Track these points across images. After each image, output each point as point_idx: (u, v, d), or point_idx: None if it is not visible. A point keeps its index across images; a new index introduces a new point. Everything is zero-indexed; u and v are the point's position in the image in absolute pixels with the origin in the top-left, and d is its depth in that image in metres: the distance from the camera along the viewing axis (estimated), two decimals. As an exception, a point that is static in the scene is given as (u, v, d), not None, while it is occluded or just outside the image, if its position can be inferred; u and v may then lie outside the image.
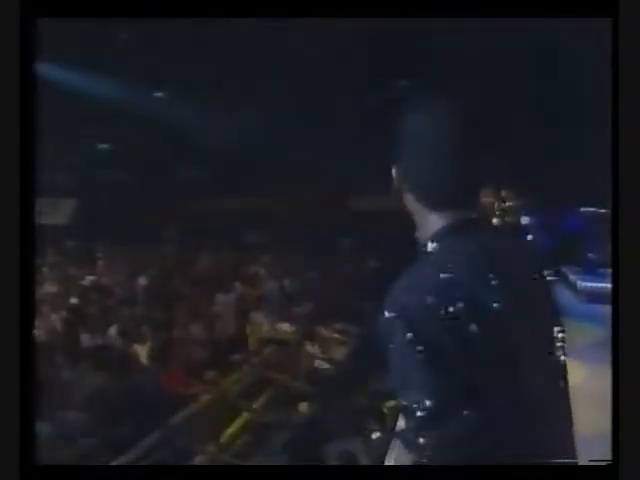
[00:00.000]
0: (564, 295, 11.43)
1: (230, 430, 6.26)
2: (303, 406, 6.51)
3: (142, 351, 6.93)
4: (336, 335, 7.94)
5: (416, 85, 12.73)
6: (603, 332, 9.15)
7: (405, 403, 1.51)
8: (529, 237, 5.71)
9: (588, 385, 7.15)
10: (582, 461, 1.59)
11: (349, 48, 11.83)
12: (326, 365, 7.33)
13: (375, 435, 5.43)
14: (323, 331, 8.03)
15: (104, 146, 16.19)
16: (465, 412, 1.49)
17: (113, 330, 7.31)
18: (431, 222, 1.63)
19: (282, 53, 12.01)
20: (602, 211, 11.47)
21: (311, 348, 7.63)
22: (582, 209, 11.92)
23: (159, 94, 14.82)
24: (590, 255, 11.81)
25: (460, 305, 1.50)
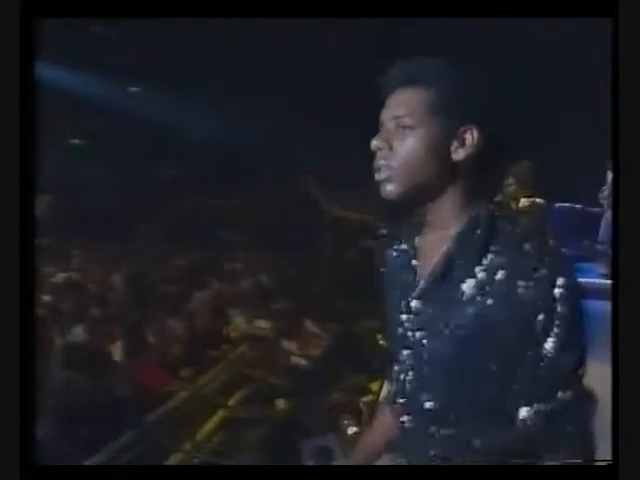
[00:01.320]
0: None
1: (206, 427, 6.25)
2: (280, 403, 6.53)
3: (117, 348, 6.88)
4: (313, 331, 7.94)
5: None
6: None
7: None
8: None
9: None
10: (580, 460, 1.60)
11: (332, 46, 11.84)
12: (303, 362, 7.33)
13: (351, 430, 5.47)
14: (300, 327, 8.03)
15: (80, 142, 16.03)
16: None
17: (87, 327, 7.24)
18: None
19: (264, 50, 12.01)
20: (577, 207, 11.63)
21: (288, 345, 7.63)
22: (556, 205, 12.07)
23: (137, 90, 14.76)
24: (563, 250, 11.96)
25: None
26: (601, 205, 10.82)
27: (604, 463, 1.56)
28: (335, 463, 5.18)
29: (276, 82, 12.90)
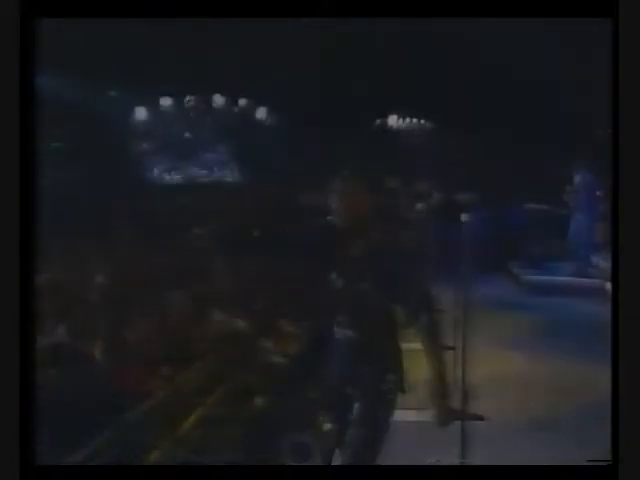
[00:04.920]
0: (508, 287, 11.76)
1: (185, 425, 6.32)
2: (258, 400, 6.61)
3: (97, 349, 6.92)
4: (291, 330, 7.99)
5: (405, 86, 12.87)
6: (544, 322, 9.49)
7: None
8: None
9: (530, 372, 7.44)
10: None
11: (301, 46, 11.88)
12: (280, 360, 7.40)
13: (327, 426, 5.60)
14: (278, 326, 8.08)
15: (56, 145, 15.95)
16: None
17: (66, 328, 7.27)
18: None
19: (235, 50, 12.02)
20: (545, 207, 11.83)
21: (266, 343, 7.68)
22: (526, 205, 12.25)
23: (112, 93, 14.72)
24: (533, 249, 12.18)
25: None
26: (568, 206, 11.05)
27: (604, 463, 1.60)
28: (312, 459, 5.33)
29: (246, 82, 12.93)
